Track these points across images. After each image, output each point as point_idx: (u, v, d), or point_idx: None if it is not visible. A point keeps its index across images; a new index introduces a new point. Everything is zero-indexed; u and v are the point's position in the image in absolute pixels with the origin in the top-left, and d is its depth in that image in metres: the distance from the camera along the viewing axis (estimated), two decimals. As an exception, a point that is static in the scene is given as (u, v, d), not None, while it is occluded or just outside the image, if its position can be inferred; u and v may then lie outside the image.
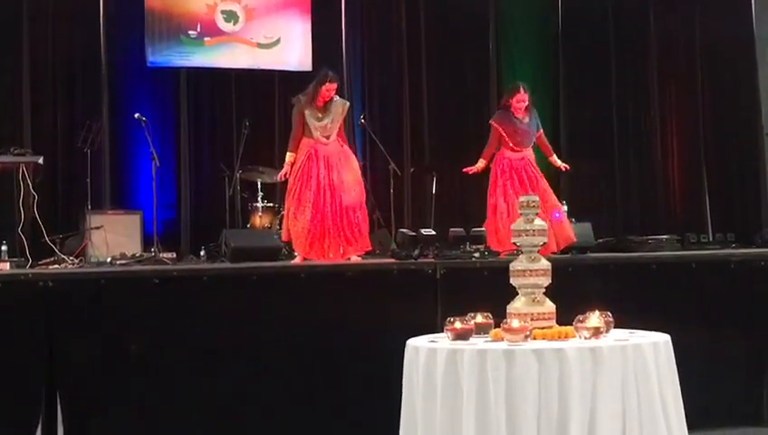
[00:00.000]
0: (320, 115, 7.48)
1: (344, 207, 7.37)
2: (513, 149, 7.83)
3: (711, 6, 12.21)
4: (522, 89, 7.94)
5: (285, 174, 7.48)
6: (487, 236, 7.68)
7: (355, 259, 7.25)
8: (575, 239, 7.69)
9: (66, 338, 5.45)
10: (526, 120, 7.89)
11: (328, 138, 7.47)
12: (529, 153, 7.92)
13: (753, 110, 12.05)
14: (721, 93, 12.12)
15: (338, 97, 7.63)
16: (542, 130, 8.06)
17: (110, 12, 10.37)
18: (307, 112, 7.45)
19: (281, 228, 8.78)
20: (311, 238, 7.25)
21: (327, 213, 7.30)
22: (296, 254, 7.40)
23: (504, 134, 7.84)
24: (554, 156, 8.15)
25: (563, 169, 8.21)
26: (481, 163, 7.99)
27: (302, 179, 7.36)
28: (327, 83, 7.49)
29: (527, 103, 7.90)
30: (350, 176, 7.51)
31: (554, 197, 7.95)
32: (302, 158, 7.42)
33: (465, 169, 8.10)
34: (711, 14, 12.15)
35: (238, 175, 9.41)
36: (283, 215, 8.90)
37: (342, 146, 7.61)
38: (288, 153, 7.51)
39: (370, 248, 7.66)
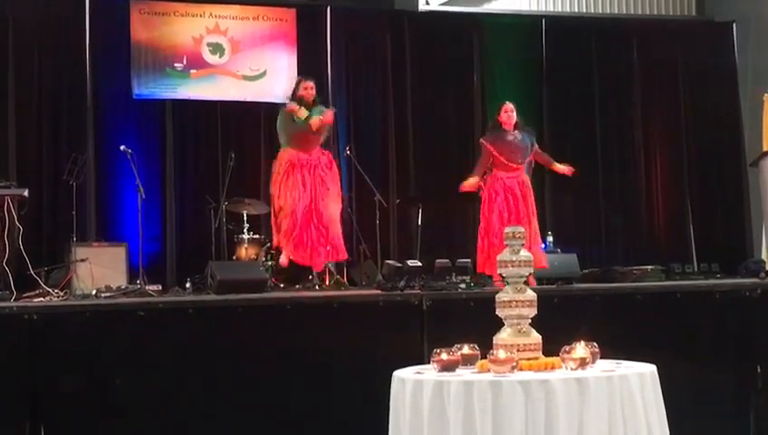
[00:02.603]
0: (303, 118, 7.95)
1: (326, 217, 7.90)
2: (506, 168, 7.82)
3: (694, 37, 12.33)
4: (507, 102, 8.12)
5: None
6: (478, 258, 7.71)
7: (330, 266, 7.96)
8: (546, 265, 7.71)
9: (51, 371, 5.42)
10: (519, 136, 7.93)
11: (310, 148, 7.92)
12: (522, 174, 7.92)
13: (735, 139, 12.14)
14: (704, 124, 12.21)
15: (323, 107, 8.21)
16: (536, 146, 8.12)
17: (96, 44, 10.39)
18: (291, 118, 7.97)
19: (266, 260, 8.81)
20: (295, 242, 7.80)
21: (310, 222, 7.81)
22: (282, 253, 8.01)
23: (495, 152, 7.85)
24: (555, 163, 8.17)
25: (569, 174, 8.19)
26: (472, 180, 7.94)
27: (286, 187, 7.89)
28: (302, 83, 8.16)
29: (515, 119, 7.95)
30: (333, 188, 8.02)
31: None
32: (285, 167, 7.92)
33: (460, 187, 8.04)
34: (694, 45, 12.26)
35: (224, 207, 9.39)
36: (269, 246, 8.94)
37: (323, 154, 8.16)
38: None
39: (347, 257, 8.24)
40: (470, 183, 7.94)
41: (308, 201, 7.88)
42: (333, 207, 8.04)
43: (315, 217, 7.87)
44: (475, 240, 7.96)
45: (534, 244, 7.61)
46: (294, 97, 8.22)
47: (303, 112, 7.98)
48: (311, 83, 8.23)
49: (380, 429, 4.02)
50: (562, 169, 8.14)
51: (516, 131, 7.95)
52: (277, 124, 8.29)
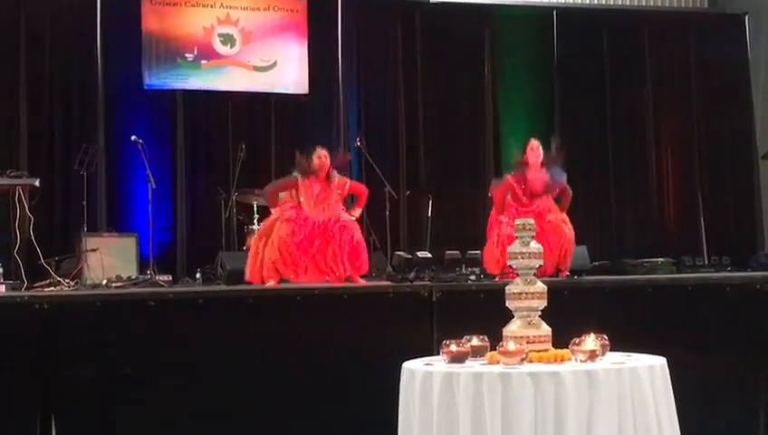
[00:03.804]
0: (312, 203, 7.10)
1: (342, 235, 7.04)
2: (522, 205, 7.30)
3: (706, 29, 12.29)
4: (531, 140, 7.49)
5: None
6: (485, 254, 7.48)
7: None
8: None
9: (62, 361, 5.44)
10: (545, 178, 7.32)
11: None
12: (543, 202, 7.37)
13: (747, 133, 12.11)
14: (715, 116, 12.17)
15: (337, 174, 7.22)
16: (567, 188, 7.49)
17: (108, 35, 10.42)
18: (301, 194, 7.08)
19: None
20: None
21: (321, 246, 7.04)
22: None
23: (517, 190, 7.39)
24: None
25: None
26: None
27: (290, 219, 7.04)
28: (317, 153, 7.12)
29: (542, 156, 7.37)
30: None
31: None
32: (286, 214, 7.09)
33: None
34: (706, 37, 12.23)
35: (234, 197, 9.41)
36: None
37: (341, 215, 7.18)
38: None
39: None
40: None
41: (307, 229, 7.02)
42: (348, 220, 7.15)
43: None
44: (485, 231, 7.87)
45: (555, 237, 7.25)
46: (308, 171, 7.16)
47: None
48: (324, 152, 7.17)
49: (390, 420, 4.02)
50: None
51: (542, 170, 7.49)
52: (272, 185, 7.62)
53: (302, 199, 7.09)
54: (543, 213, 7.29)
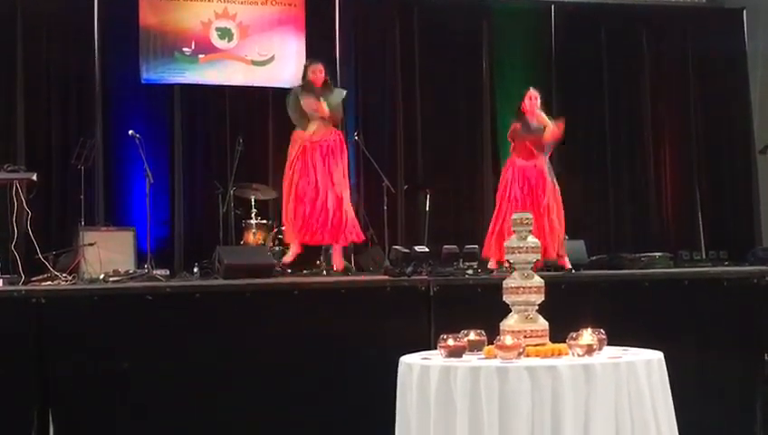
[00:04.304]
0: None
1: (339, 198, 7.80)
2: (525, 157, 7.91)
3: (704, 23, 12.29)
4: (530, 88, 8.22)
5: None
6: (486, 240, 7.80)
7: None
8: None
9: (58, 355, 5.44)
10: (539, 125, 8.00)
11: (322, 134, 7.84)
12: (541, 162, 7.97)
13: (745, 127, 12.11)
14: (713, 110, 12.17)
15: (336, 89, 8.17)
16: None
17: (105, 29, 10.40)
18: (304, 106, 7.85)
19: (273, 245, 8.83)
20: (305, 229, 7.77)
21: (323, 205, 7.73)
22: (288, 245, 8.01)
23: (523, 140, 7.92)
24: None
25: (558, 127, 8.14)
26: None
27: (298, 172, 7.78)
28: (311, 67, 8.02)
29: (538, 106, 8.08)
30: (339, 172, 7.92)
31: (561, 211, 8.00)
32: (297, 151, 7.81)
33: None
34: (704, 31, 12.22)
35: (232, 192, 9.41)
36: (277, 232, 8.95)
37: (335, 133, 8.01)
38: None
39: (364, 238, 8.16)
40: None
41: (317, 187, 7.80)
42: (343, 191, 7.95)
43: (326, 203, 7.79)
44: (483, 225, 7.98)
45: (551, 234, 7.64)
46: (304, 82, 8.09)
47: (323, 109, 7.91)
48: (320, 66, 8.10)
49: (388, 414, 4.02)
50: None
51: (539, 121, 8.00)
52: (288, 106, 8.20)
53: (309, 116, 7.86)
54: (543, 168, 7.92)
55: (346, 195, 7.99)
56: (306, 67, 8.19)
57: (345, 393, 5.69)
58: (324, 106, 7.85)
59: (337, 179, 7.86)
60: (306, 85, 8.03)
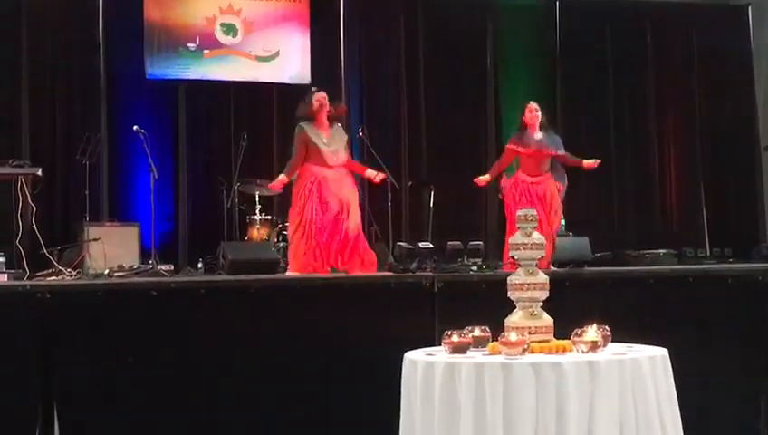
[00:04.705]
0: (325, 140, 7.49)
1: (349, 230, 7.44)
2: (529, 172, 7.92)
3: (708, 20, 12.26)
4: (530, 102, 8.21)
5: (278, 185, 7.60)
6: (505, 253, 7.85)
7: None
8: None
9: (63, 350, 5.44)
10: (543, 139, 7.96)
11: (333, 165, 7.49)
12: (547, 179, 7.99)
13: (750, 124, 12.10)
14: (718, 107, 12.16)
15: (341, 129, 7.68)
16: (564, 152, 8.25)
17: (110, 24, 10.42)
18: (313, 138, 7.45)
19: (278, 241, 8.83)
20: (313, 261, 7.35)
21: (334, 236, 7.41)
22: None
23: (522, 152, 7.92)
24: (583, 161, 8.32)
25: (595, 165, 8.35)
26: (487, 176, 8.33)
27: (307, 204, 7.37)
28: (314, 95, 7.55)
29: (540, 119, 8.07)
30: (353, 200, 7.59)
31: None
32: (307, 183, 7.42)
33: (475, 180, 8.36)
34: (708, 28, 12.20)
35: (236, 187, 9.41)
36: (280, 228, 8.95)
37: (347, 174, 7.64)
38: (282, 175, 7.57)
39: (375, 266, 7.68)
40: (482, 178, 8.29)
41: (332, 216, 7.43)
42: (355, 219, 7.57)
43: (339, 233, 7.42)
44: (487, 222, 8.01)
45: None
46: (309, 115, 7.55)
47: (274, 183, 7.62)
48: (323, 93, 7.60)
49: (392, 410, 4.03)
50: (589, 163, 8.23)
51: (542, 133, 8.00)
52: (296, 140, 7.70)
53: (315, 143, 7.41)
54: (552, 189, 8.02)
55: (358, 223, 7.64)
56: (309, 97, 7.65)
57: (349, 389, 5.69)
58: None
59: (351, 212, 7.51)
60: (312, 121, 7.54)
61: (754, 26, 12.20)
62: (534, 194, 7.93)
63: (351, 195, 7.56)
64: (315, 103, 7.50)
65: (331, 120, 7.60)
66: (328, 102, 7.56)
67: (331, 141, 7.51)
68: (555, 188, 8.08)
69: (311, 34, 11.04)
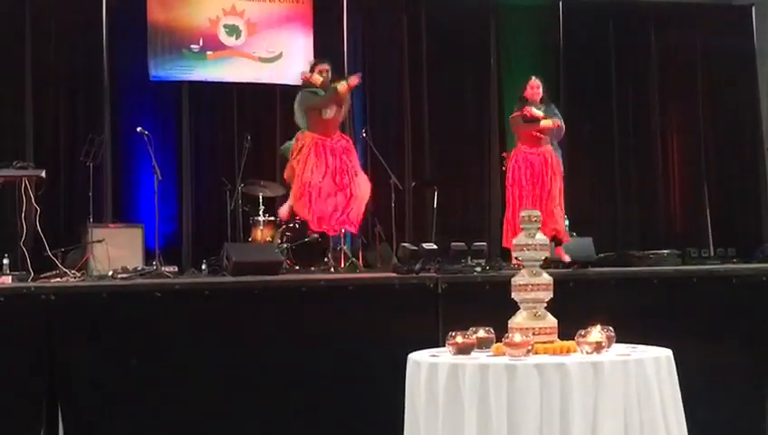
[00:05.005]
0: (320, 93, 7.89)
1: (354, 195, 7.87)
2: (529, 144, 7.92)
3: (712, 20, 12.25)
4: (533, 78, 8.19)
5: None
6: (504, 232, 7.81)
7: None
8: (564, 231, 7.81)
9: (68, 351, 5.45)
10: (544, 110, 8.00)
11: (332, 131, 7.74)
12: (548, 150, 7.98)
13: (753, 124, 12.08)
14: (721, 108, 12.14)
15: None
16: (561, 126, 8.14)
17: (113, 26, 10.41)
18: (311, 93, 7.86)
19: (281, 242, 8.83)
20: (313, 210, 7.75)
21: (333, 195, 7.75)
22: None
23: (523, 127, 7.94)
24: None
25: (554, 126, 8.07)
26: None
27: (309, 168, 7.78)
28: (317, 66, 8.05)
29: (542, 94, 8.07)
30: (359, 170, 8.02)
31: (561, 199, 8.01)
32: (308, 150, 7.79)
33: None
34: (712, 28, 12.18)
35: (240, 189, 9.41)
36: (283, 229, 8.96)
37: (343, 138, 8.07)
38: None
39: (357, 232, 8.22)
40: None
41: (332, 178, 7.80)
42: (365, 187, 8.02)
43: (339, 192, 7.78)
44: (491, 222, 8.00)
45: (550, 222, 7.65)
46: (310, 83, 8.08)
47: (317, 79, 7.93)
48: (326, 66, 8.10)
49: (396, 411, 4.03)
50: (546, 123, 8.03)
51: (543, 107, 8.02)
52: (295, 106, 8.20)
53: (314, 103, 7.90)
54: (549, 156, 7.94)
55: (367, 192, 8.13)
56: (313, 65, 8.20)
57: (353, 390, 5.70)
58: (318, 79, 7.98)
59: (357, 177, 7.94)
60: (309, 86, 8.01)
61: (758, 26, 12.18)
62: (531, 165, 7.91)
63: (353, 164, 7.90)
64: (316, 77, 7.96)
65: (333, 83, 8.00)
66: (329, 74, 8.01)
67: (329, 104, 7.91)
68: (556, 156, 8.06)
69: (314, 35, 11.04)
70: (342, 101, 8.06)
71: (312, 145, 7.89)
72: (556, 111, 8.20)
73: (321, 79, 7.96)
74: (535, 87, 8.08)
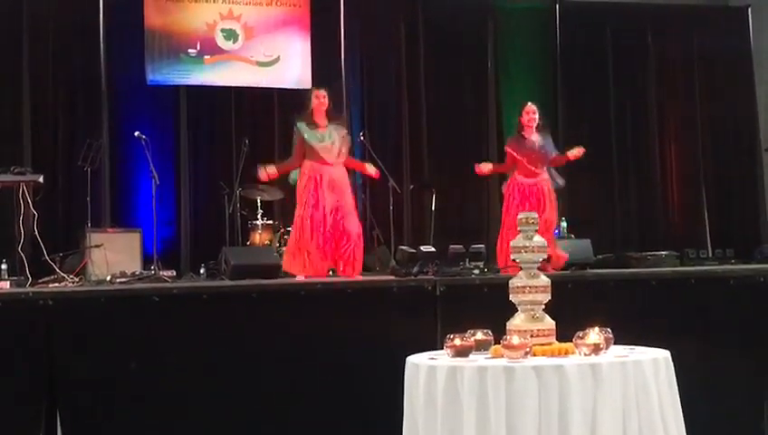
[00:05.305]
0: (319, 136, 7.54)
1: (348, 230, 7.48)
2: (526, 173, 7.87)
3: (709, 21, 12.27)
4: (528, 103, 8.12)
5: (267, 177, 7.77)
6: (497, 249, 7.79)
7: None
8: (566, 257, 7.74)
9: (66, 356, 5.45)
10: (539, 140, 7.92)
11: (332, 161, 7.51)
12: (543, 179, 7.93)
13: (751, 125, 12.10)
14: (719, 109, 12.16)
15: (339, 125, 7.77)
16: (555, 153, 8.12)
17: (111, 30, 10.42)
18: (306, 136, 7.52)
19: (280, 246, 8.84)
20: (310, 258, 7.39)
21: (330, 236, 7.42)
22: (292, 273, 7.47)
23: (518, 156, 7.88)
24: (567, 154, 8.11)
25: (581, 154, 8.08)
26: (488, 165, 8.34)
27: (308, 203, 7.44)
28: (315, 93, 7.67)
29: (537, 121, 7.98)
30: (350, 201, 7.65)
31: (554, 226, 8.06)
32: (305, 181, 7.50)
33: (475, 166, 8.28)
34: (708, 30, 12.20)
35: (238, 193, 9.42)
36: (282, 232, 8.95)
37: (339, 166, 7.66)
38: (274, 166, 7.77)
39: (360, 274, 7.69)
40: (485, 166, 8.25)
41: (322, 217, 7.44)
42: (354, 222, 7.61)
43: (333, 231, 7.45)
44: (489, 225, 7.99)
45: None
46: (307, 109, 7.67)
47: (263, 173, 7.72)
48: (323, 92, 7.71)
49: (395, 414, 4.03)
50: (574, 153, 8.07)
51: (537, 135, 7.93)
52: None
53: (309, 140, 7.50)
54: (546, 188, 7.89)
55: (356, 225, 7.68)
56: (309, 95, 7.79)
57: (352, 394, 5.69)
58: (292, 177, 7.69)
59: (348, 213, 7.57)
60: (308, 117, 7.62)
61: (755, 28, 12.20)
62: (531, 194, 7.89)
63: (347, 197, 7.61)
64: (314, 101, 7.62)
65: (330, 117, 7.67)
66: (327, 100, 7.66)
67: (326, 137, 7.56)
68: (551, 187, 8.03)
69: (311, 39, 11.04)
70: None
71: (306, 178, 7.54)
72: (549, 138, 8.13)
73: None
74: (531, 113, 7.97)
